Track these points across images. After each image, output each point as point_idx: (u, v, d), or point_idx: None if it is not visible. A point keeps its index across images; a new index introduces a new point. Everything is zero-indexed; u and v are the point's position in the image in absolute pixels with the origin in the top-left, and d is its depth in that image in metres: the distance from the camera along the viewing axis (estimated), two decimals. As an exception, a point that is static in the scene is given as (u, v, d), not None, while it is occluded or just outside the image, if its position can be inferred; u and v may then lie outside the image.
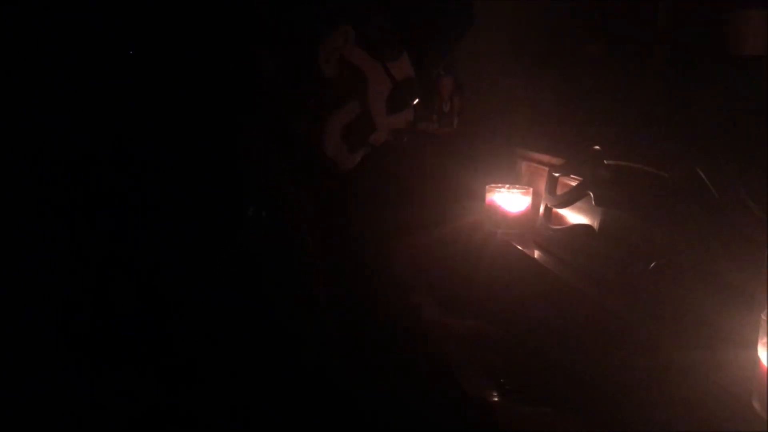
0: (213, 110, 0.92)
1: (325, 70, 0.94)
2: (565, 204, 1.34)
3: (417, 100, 1.06)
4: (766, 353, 0.66)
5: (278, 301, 0.89)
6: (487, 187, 1.60)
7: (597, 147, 1.21)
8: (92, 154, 0.86)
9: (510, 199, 1.56)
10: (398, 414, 0.93)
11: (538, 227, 1.44)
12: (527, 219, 1.54)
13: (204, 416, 0.84)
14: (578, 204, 1.32)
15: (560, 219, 1.41)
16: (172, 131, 0.87)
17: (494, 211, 1.57)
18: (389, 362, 1.05)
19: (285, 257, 0.92)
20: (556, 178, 1.41)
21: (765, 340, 0.66)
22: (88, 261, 0.84)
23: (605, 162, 1.18)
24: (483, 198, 1.61)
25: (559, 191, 1.41)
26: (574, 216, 1.34)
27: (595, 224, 1.20)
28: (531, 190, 1.57)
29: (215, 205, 0.87)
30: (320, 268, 1.04)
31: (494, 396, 1.10)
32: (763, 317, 0.67)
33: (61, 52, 0.86)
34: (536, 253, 1.37)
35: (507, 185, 1.59)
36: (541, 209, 1.45)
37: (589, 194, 1.22)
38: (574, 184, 1.33)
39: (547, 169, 1.51)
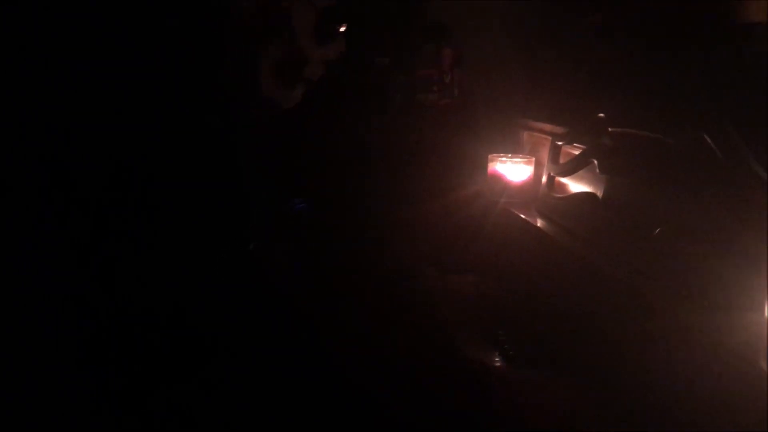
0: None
1: (243, 4, 0.91)
2: (568, 172, 1.34)
3: (344, 28, 1.04)
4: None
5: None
6: (489, 156, 1.60)
7: (601, 115, 1.20)
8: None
9: (512, 169, 1.56)
10: (399, 382, 0.94)
11: (541, 196, 1.45)
12: (530, 188, 1.54)
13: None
14: (581, 173, 1.32)
15: (563, 188, 1.42)
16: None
17: (496, 181, 1.57)
18: (390, 330, 1.06)
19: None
20: (559, 146, 1.41)
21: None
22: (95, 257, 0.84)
23: (609, 129, 1.18)
24: (485, 168, 1.62)
25: (561, 160, 1.41)
26: (576, 185, 1.35)
27: (599, 192, 1.21)
28: (533, 159, 1.57)
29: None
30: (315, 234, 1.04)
31: (496, 360, 1.12)
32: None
33: (63, 49, 0.84)
34: (539, 222, 1.38)
35: (509, 155, 1.59)
36: (544, 178, 1.45)
37: (593, 162, 1.22)
38: (576, 152, 1.33)
39: (549, 138, 1.51)
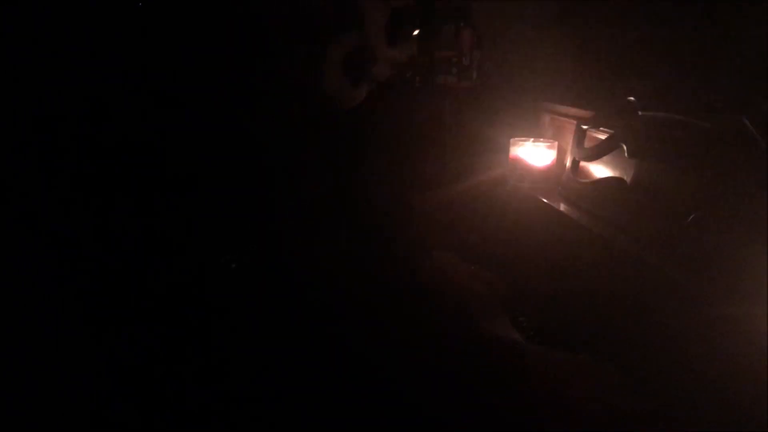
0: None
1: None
2: (594, 157, 1.31)
3: (417, 32, 1.03)
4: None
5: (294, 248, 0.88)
6: (511, 140, 1.57)
7: (631, 98, 1.17)
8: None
9: (535, 153, 1.53)
10: (422, 366, 0.92)
11: (565, 181, 1.42)
12: (552, 173, 1.52)
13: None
14: (606, 158, 1.29)
15: (587, 173, 1.39)
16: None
17: (518, 165, 1.54)
18: (410, 315, 1.04)
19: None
20: (585, 130, 1.38)
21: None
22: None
23: (640, 113, 1.15)
24: (506, 152, 1.59)
25: (586, 144, 1.38)
26: (601, 170, 1.32)
27: (627, 177, 1.18)
28: (556, 143, 1.54)
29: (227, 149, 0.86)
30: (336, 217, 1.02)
31: (518, 342, 1.10)
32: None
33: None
34: (563, 207, 1.35)
35: (531, 139, 1.56)
36: (568, 163, 1.43)
37: (621, 147, 1.19)
38: (602, 137, 1.31)
39: (572, 122, 1.48)
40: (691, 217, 0.95)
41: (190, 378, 0.83)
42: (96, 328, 0.82)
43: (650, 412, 0.83)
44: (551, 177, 1.51)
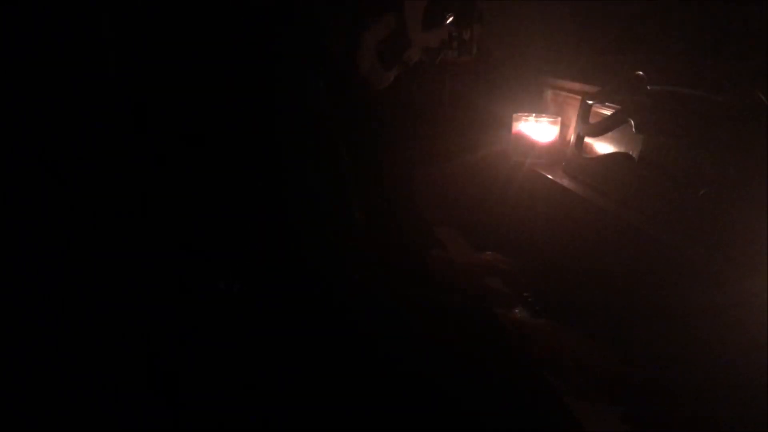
0: (249, 25, 0.89)
1: None
2: (600, 132, 1.30)
3: (451, 18, 1.03)
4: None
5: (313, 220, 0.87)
6: (513, 116, 1.56)
7: (639, 72, 1.16)
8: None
9: (537, 129, 1.52)
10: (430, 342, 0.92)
11: (569, 156, 1.41)
12: (555, 149, 1.51)
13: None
14: (611, 134, 1.28)
15: (591, 149, 1.38)
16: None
17: (521, 141, 1.53)
18: (416, 290, 1.04)
19: (322, 173, 0.90)
20: (590, 105, 1.37)
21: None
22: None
23: (648, 87, 1.14)
24: (508, 127, 1.58)
25: (591, 120, 1.37)
26: (605, 146, 1.31)
27: (634, 152, 1.17)
28: (559, 119, 1.53)
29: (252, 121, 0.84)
30: (355, 187, 1.02)
31: (523, 315, 1.11)
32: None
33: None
34: (566, 182, 1.34)
35: (534, 114, 1.55)
36: (572, 138, 1.42)
37: (628, 122, 1.18)
38: (607, 112, 1.29)
39: (575, 97, 1.47)
40: (702, 191, 0.95)
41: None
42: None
43: (646, 379, 0.86)
44: (554, 153, 1.50)
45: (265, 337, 0.83)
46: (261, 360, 0.83)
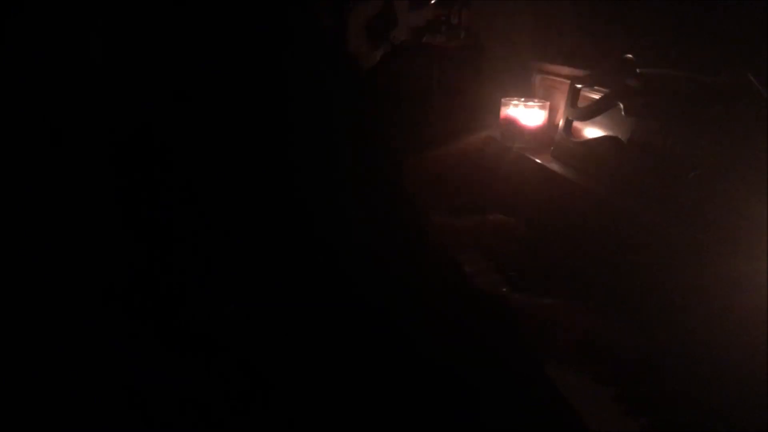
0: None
1: None
2: (589, 116, 1.30)
3: None
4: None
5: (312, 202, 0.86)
6: (502, 100, 1.55)
7: (629, 55, 1.15)
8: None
9: (526, 114, 1.52)
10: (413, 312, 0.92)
11: (557, 141, 1.40)
12: (544, 133, 1.50)
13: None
14: (599, 118, 1.28)
15: (580, 133, 1.37)
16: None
17: (509, 126, 1.52)
18: (404, 269, 1.03)
19: (319, 157, 0.88)
20: (578, 89, 1.36)
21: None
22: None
23: (637, 70, 1.13)
24: (496, 112, 1.57)
25: (579, 104, 1.36)
26: (594, 130, 1.30)
27: (623, 136, 1.17)
28: (548, 104, 1.52)
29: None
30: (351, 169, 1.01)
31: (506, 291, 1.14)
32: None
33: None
34: (555, 166, 1.34)
35: (522, 99, 1.54)
36: (561, 122, 1.41)
37: (617, 105, 1.18)
38: (596, 96, 1.29)
39: (564, 82, 1.46)
40: (692, 174, 0.95)
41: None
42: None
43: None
44: (542, 137, 1.49)
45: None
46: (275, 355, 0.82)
